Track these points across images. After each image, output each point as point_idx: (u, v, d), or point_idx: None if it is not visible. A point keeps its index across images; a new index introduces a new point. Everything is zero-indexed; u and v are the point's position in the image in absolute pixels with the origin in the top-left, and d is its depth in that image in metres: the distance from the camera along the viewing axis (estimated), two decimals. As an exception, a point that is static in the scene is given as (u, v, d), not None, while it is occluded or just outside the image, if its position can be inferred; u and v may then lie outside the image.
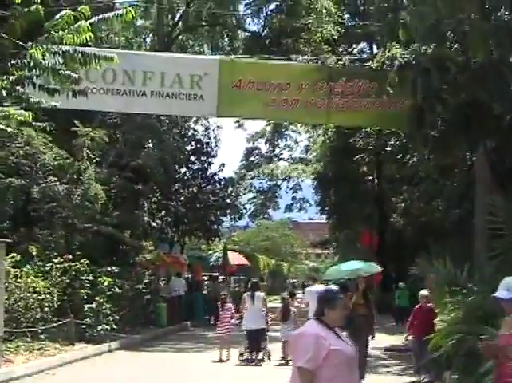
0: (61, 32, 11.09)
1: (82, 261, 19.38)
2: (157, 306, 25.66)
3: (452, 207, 19.86)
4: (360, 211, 38.25)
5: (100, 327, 18.78)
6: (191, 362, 17.68)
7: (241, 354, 17.63)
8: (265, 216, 62.59)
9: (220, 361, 17.66)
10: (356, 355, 6.03)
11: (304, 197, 59.04)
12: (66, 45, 11.25)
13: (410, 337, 15.50)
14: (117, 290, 20.80)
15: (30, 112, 12.82)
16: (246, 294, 18.77)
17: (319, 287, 20.34)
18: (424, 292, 14.79)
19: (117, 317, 19.98)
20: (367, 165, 34.92)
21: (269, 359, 17.62)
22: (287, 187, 58.13)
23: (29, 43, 11.48)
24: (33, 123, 13.35)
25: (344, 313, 6.10)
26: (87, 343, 18.20)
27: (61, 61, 11.36)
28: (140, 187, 25.85)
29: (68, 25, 11.15)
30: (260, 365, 17.21)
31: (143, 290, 24.16)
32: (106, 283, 20.15)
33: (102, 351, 18.10)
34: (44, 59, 11.21)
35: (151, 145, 27.12)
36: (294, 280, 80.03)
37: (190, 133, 33.63)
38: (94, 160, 22.10)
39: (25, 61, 11.33)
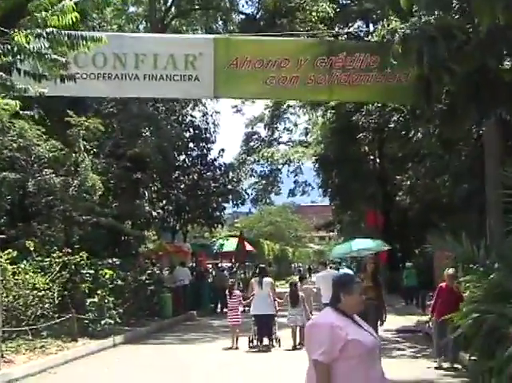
0: (44, 13, 10.46)
1: (81, 254, 18.76)
2: (161, 296, 25.09)
3: (460, 182, 19.27)
4: (363, 191, 37.94)
5: (103, 321, 18.22)
6: (197, 353, 17.21)
7: (250, 341, 17.57)
8: (268, 201, 62.00)
9: (232, 348, 17.61)
10: (378, 346, 5.49)
11: (306, 180, 58.86)
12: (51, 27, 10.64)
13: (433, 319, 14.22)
14: (119, 282, 20.26)
15: (18, 101, 12.30)
16: (253, 279, 18.60)
17: (331, 272, 20.03)
18: (450, 271, 13.94)
19: (121, 311, 19.42)
20: (368, 145, 34.32)
21: (278, 345, 17.53)
22: (288, 171, 57.69)
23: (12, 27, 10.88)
24: (21, 112, 12.77)
25: (362, 298, 5.55)
26: (90, 339, 17.64)
27: (46, 45, 10.71)
28: (139, 176, 25.30)
29: (52, 6, 10.53)
30: (269, 351, 17.09)
31: (147, 281, 23.63)
32: (107, 276, 19.55)
33: (106, 346, 17.54)
34: (28, 43, 10.58)
35: (148, 134, 26.53)
36: (300, 265, 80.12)
37: (188, 120, 33.02)
38: (91, 151, 21.49)
39: (9, 47, 10.70)
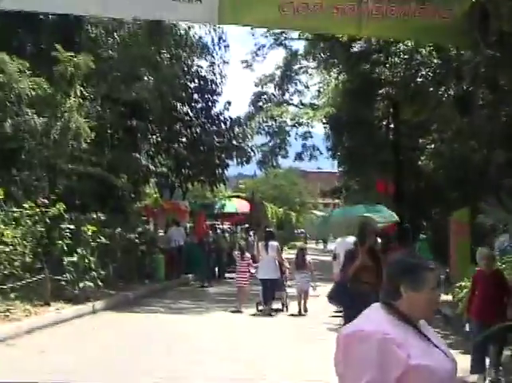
0: None
1: (58, 206, 16.44)
2: (154, 258, 23.03)
3: (496, 146, 16.92)
4: (375, 157, 35.90)
5: (81, 284, 16.01)
6: (186, 324, 15.13)
7: (257, 304, 17.61)
8: (274, 164, 60.11)
9: (238, 311, 17.54)
10: (455, 373, 3.30)
11: (314, 144, 57.11)
12: None
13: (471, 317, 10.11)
14: (104, 240, 18.00)
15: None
16: (260, 243, 18.73)
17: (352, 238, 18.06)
18: (484, 250, 10.23)
19: (103, 273, 17.21)
20: (387, 106, 31.98)
21: (286, 309, 17.86)
22: (296, 135, 55.83)
23: None
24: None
25: (437, 296, 3.34)
26: (66, 303, 15.47)
27: None
28: (135, 124, 22.95)
29: None
30: (273, 316, 17.14)
31: (137, 241, 21.46)
32: (90, 233, 17.26)
33: (83, 312, 15.34)
34: None
35: (147, 78, 24.14)
36: (302, 230, 78.69)
37: (193, 70, 30.61)
38: (79, 91, 19.08)
39: None
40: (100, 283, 16.75)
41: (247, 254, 18.87)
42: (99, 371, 9.94)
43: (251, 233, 34.07)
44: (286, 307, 17.95)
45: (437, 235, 27.21)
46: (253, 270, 18.36)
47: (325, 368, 9.75)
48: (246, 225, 38.00)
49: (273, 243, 17.65)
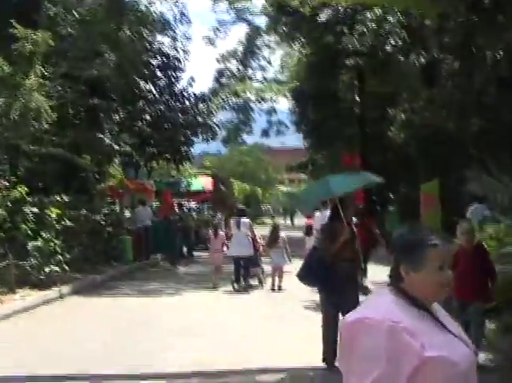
0: None
1: (20, 189, 15.85)
2: (121, 239, 22.44)
3: (470, 115, 16.60)
4: (341, 130, 35.62)
5: (47, 269, 15.50)
6: (158, 307, 14.72)
7: (233, 282, 17.49)
8: (239, 141, 59.87)
9: (214, 288, 17.57)
10: (475, 363, 2.94)
11: (279, 119, 56.90)
12: None
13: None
14: (69, 223, 17.46)
15: None
16: (231, 220, 18.98)
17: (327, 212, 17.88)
18: (464, 224, 9.38)
19: (69, 257, 16.70)
20: (349, 80, 31.63)
21: (262, 286, 17.82)
22: (261, 111, 55.60)
23: None
24: None
25: (446, 276, 2.93)
26: (31, 289, 14.97)
27: None
28: (97, 102, 22.29)
29: None
30: (249, 293, 17.05)
31: (103, 222, 20.93)
32: (54, 215, 16.70)
33: (50, 298, 14.87)
34: None
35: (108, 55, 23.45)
36: (269, 206, 78.47)
37: (155, 46, 29.92)
38: (39, 70, 18.39)
39: None
40: (66, 267, 16.27)
41: (221, 233, 18.94)
42: (67, 360, 9.52)
43: (217, 211, 33.67)
44: (262, 284, 17.92)
45: (406, 208, 27.05)
46: (225, 249, 18.31)
47: (310, 349, 9.57)
48: (211, 203, 37.64)
49: (245, 220, 17.72)
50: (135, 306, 14.87)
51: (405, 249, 2.84)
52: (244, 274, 17.47)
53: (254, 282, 18.01)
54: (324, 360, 9.27)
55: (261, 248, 18.19)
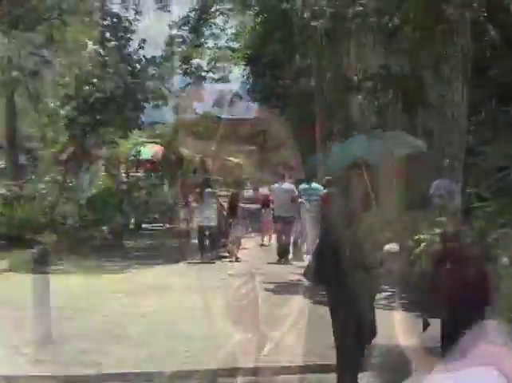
0: None
1: None
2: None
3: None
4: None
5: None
6: (108, 286, 13.64)
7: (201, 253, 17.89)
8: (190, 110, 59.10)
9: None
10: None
11: (232, 89, 56.16)
12: None
13: None
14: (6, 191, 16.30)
15: None
16: (196, 190, 19.27)
17: (288, 185, 18.80)
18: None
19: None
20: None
21: (230, 256, 17.87)
22: (213, 80, 54.67)
23: None
24: None
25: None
26: None
27: None
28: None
29: None
30: (213, 263, 17.31)
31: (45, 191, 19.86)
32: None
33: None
34: None
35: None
36: (219, 177, 77.98)
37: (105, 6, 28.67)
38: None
39: None
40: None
41: (193, 203, 19.12)
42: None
43: (165, 181, 32.90)
44: (230, 253, 18.09)
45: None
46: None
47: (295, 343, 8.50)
48: (160, 172, 36.59)
49: (210, 190, 18.32)
50: (79, 286, 13.68)
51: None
52: (213, 244, 17.99)
53: (223, 252, 18.41)
54: None
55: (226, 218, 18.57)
